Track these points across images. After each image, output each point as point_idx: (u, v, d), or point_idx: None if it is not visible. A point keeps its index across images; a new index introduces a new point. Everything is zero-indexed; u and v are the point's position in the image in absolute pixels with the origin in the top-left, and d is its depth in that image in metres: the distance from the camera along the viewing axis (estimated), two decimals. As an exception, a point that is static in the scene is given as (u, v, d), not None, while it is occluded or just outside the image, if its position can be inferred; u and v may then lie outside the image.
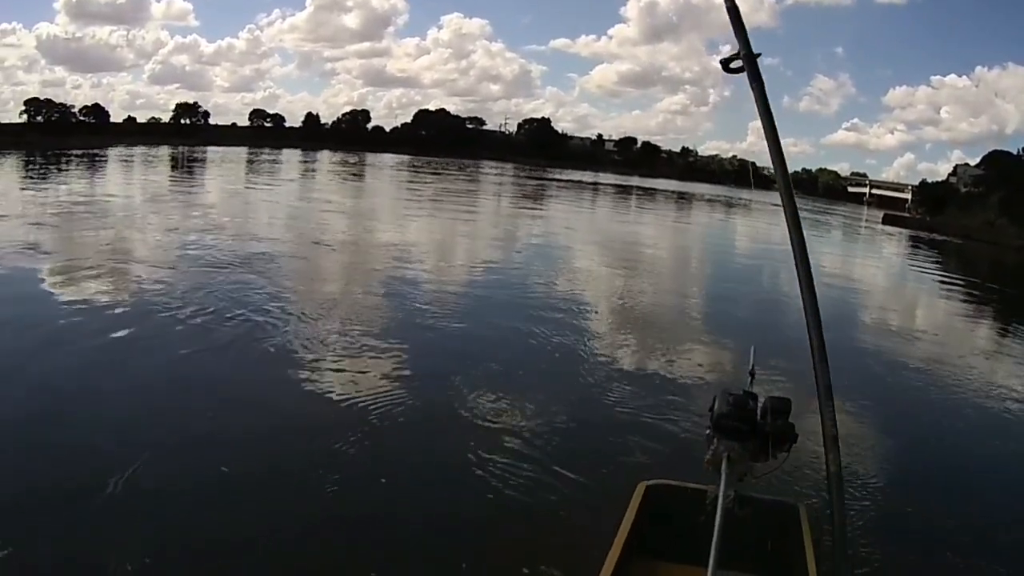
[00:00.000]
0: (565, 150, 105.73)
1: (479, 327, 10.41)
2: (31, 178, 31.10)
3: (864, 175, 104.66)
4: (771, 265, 22.35)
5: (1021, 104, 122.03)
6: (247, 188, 34.55)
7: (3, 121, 79.02)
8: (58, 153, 47.19)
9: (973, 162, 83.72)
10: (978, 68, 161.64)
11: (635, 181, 78.45)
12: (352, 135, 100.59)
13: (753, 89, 2.92)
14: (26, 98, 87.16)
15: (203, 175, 42.19)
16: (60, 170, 35.58)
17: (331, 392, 7.13)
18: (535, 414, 6.88)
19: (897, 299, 19.23)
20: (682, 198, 60.53)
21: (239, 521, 4.70)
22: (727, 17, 2.96)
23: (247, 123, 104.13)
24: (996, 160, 72.36)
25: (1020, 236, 44.40)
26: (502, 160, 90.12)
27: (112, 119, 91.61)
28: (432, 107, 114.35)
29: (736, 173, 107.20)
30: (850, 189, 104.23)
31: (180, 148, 68.12)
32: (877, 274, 25.26)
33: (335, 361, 8.10)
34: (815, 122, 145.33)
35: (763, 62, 2.87)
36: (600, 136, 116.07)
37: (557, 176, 71.49)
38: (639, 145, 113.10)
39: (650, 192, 63.25)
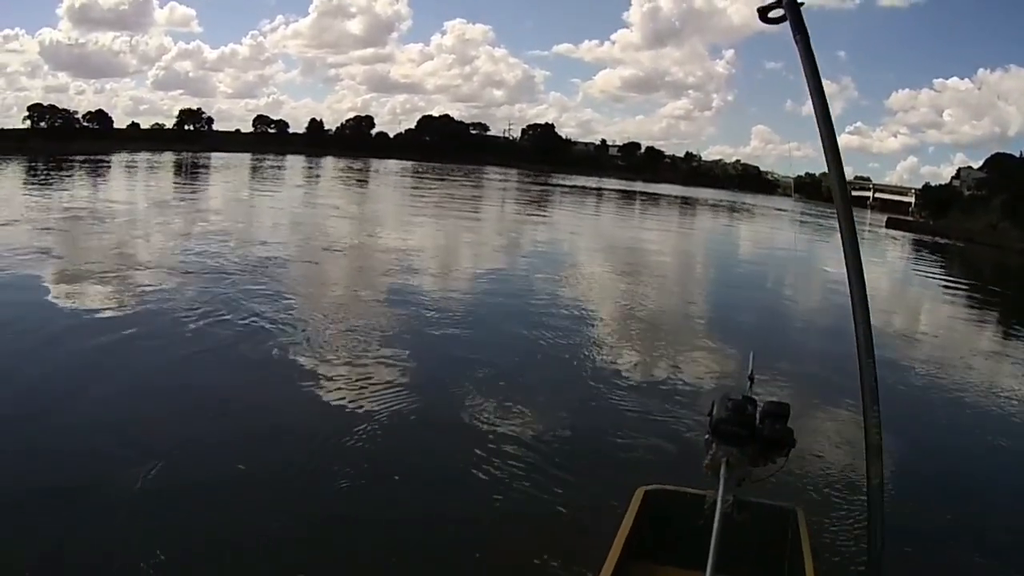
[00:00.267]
0: (569, 155, 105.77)
1: (484, 332, 10.45)
2: (36, 184, 31.21)
3: (867, 179, 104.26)
4: (773, 271, 22.39)
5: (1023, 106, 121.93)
6: (255, 194, 34.67)
7: (6, 127, 79.50)
8: (61, 159, 47.36)
9: (976, 165, 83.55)
10: (980, 70, 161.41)
11: (639, 186, 78.44)
12: (356, 141, 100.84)
13: (796, 42, 2.60)
14: (29, 104, 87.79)
15: (209, 181, 42.36)
16: (65, 176, 35.71)
17: (336, 393, 7.18)
18: (538, 418, 6.91)
19: (900, 302, 19.20)
20: (686, 203, 60.52)
21: (240, 521, 4.74)
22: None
23: (251, 129, 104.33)
24: (999, 162, 72.19)
25: (1023, 239, 44.32)
26: (506, 166, 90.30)
27: (115, 125, 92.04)
28: (436, 113, 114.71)
29: (740, 177, 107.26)
30: (853, 193, 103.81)
31: (184, 154, 68.32)
32: (881, 278, 25.22)
33: (342, 364, 8.16)
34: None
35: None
36: (604, 141, 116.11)
37: (561, 181, 71.57)
38: (643, 150, 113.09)
39: (654, 197, 63.26)
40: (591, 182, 75.53)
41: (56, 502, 4.70)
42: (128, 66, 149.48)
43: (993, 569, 5.00)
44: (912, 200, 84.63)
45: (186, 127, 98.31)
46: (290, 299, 11.16)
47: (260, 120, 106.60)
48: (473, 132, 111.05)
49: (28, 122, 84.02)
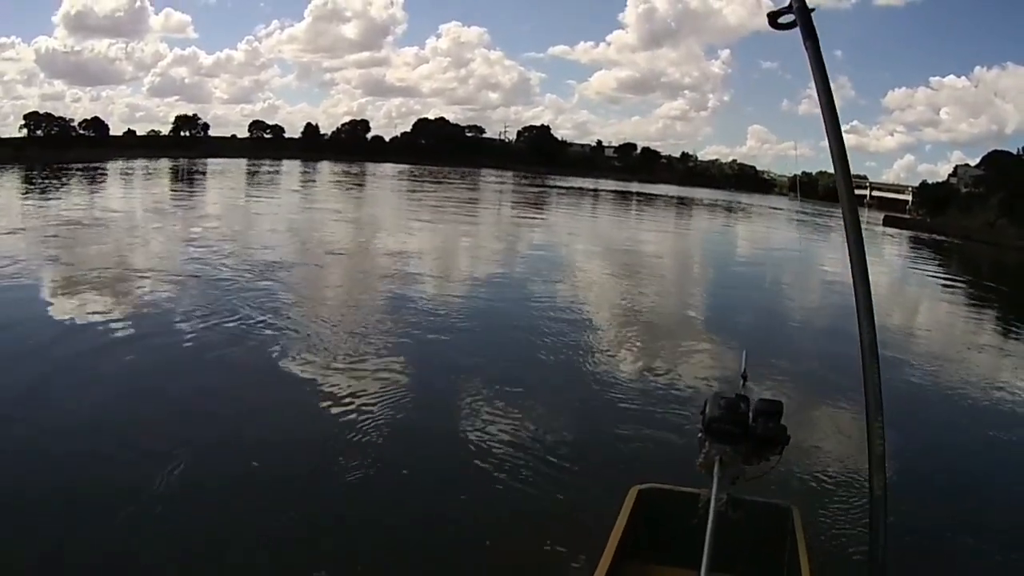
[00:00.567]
0: (565, 157, 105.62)
1: (482, 333, 10.49)
2: (34, 192, 31.18)
3: (864, 177, 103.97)
4: (770, 271, 22.42)
5: (1020, 103, 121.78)
6: (253, 200, 34.62)
7: (3, 136, 79.27)
8: (58, 167, 47.31)
9: (973, 162, 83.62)
10: (977, 68, 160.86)
11: (635, 187, 78.43)
12: (352, 145, 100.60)
13: (807, 48, 2.55)
14: (26, 112, 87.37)
15: (206, 187, 42.31)
16: (62, 184, 35.67)
17: (336, 394, 7.22)
18: (537, 419, 6.94)
19: (898, 299, 19.24)
20: (682, 203, 60.53)
21: (240, 521, 4.77)
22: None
23: (247, 134, 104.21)
24: (996, 160, 72.33)
25: (1020, 237, 44.38)
26: (502, 168, 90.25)
27: (112, 132, 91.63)
28: (431, 116, 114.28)
29: (736, 177, 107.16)
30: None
31: (180, 160, 68.26)
32: (879, 275, 25.26)
33: (342, 365, 8.20)
34: (815, 125, 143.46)
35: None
36: (600, 142, 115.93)
37: (557, 183, 71.54)
38: (639, 151, 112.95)
39: (650, 198, 63.28)
40: (587, 183, 75.50)
41: (56, 502, 4.72)
42: (124, 73, 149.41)
43: (991, 565, 5.01)
44: (909, 198, 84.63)
45: (182, 133, 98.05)
46: (290, 303, 11.19)
47: (256, 125, 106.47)
48: (469, 135, 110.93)
49: (25, 130, 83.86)
